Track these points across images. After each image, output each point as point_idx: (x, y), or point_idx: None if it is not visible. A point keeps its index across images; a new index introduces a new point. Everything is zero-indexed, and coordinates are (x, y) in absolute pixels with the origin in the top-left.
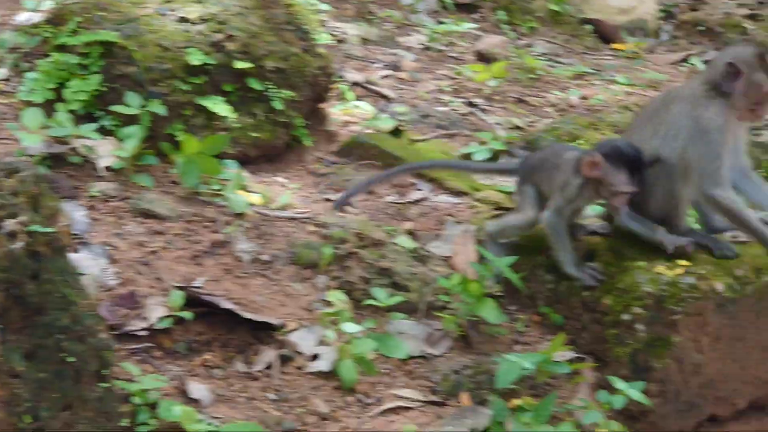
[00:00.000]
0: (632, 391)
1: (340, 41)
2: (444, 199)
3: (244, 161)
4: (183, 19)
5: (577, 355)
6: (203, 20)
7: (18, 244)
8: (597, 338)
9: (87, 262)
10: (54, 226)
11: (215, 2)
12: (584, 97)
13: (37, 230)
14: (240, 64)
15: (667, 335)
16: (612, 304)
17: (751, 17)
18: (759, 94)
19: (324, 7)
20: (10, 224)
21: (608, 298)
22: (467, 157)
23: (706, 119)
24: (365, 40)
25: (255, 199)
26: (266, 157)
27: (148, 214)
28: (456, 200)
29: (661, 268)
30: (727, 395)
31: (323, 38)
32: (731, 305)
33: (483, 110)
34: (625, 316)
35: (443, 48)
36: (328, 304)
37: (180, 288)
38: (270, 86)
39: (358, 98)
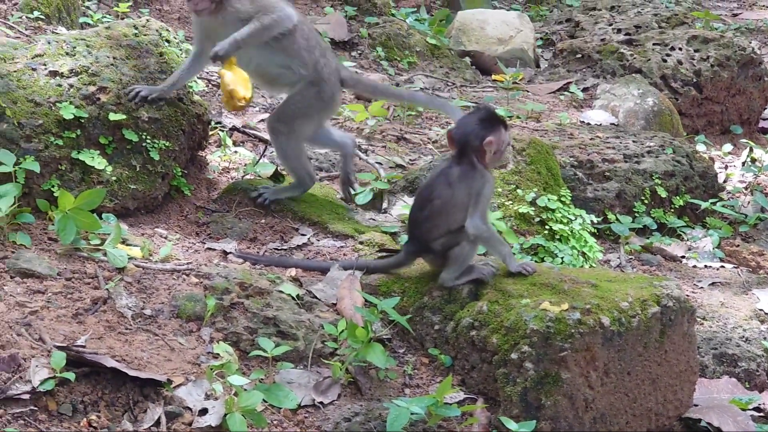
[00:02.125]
0: (524, 431)
1: (215, 86)
2: (328, 243)
3: (123, 214)
4: (54, 73)
5: (467, 396)
6: (75, 73)
7: None
8: (487, 378)
9: None
10: None
11: (86, 54)
12: None
13: None
14: (114, 116)
15: (557, 372)
16: (499, 343)
17: (628, 42)
18: None
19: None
20: None
21: (495, 336)
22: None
23: None
24: None
25: (135, 252)
26: (145, 208)
27: (26, 274)
28: (340, 243)
29: (546, 304)
30: (620, 429)
31: (198, 85)
32: (618, 338)
33: (364, 150)
34: (513, 355)
35: None
36: (215, 356)
37: (62, 348)
38: (146, 137)
39: (237, 144)
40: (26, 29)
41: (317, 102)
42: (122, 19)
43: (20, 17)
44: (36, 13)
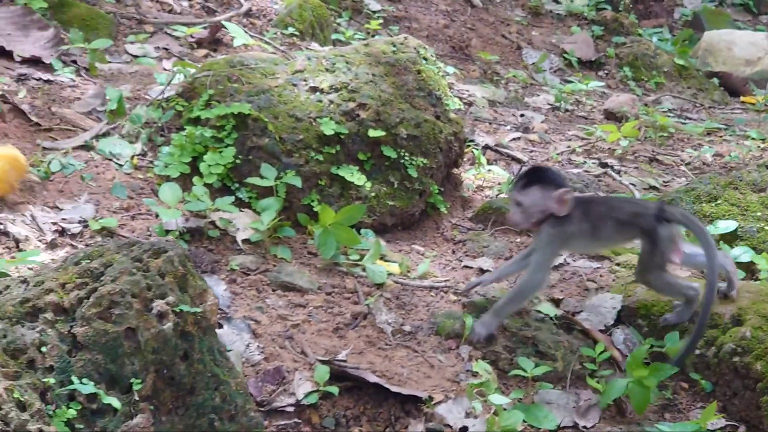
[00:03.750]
0: None
1: (468, 104)
2: (584, 264)
3: (381, 230)
4: (314, 89)
5: (729, 423)
6: (334, 89)
7: (167, 325)
8: (749, 405)
9: (230, 338)
10: (202, 305)
11: (345, 71)
12: (718, 155)
13: (185, 310)
14: (373, 133)
15: None
16: (764, 370)
17: None
18: None
19: (449, 69)
20: (159, 305)
21: (759, 363)
22: None
23: None
24: (492, 102)
25: (394, 268)
26: (402, 225)
27: (288, 287)
28: (596, 265)
29: None
30: None
31: (454, 103)
32: None
33: (617, 171)
34: None
35: (571, 107)
36: (474, 374)
37: (325, 362)
38: (404, 154)
39: (491, 162)
40: (281, 45)
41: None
42: (372, 36)
43: (275, 33)
44: (290, 29)
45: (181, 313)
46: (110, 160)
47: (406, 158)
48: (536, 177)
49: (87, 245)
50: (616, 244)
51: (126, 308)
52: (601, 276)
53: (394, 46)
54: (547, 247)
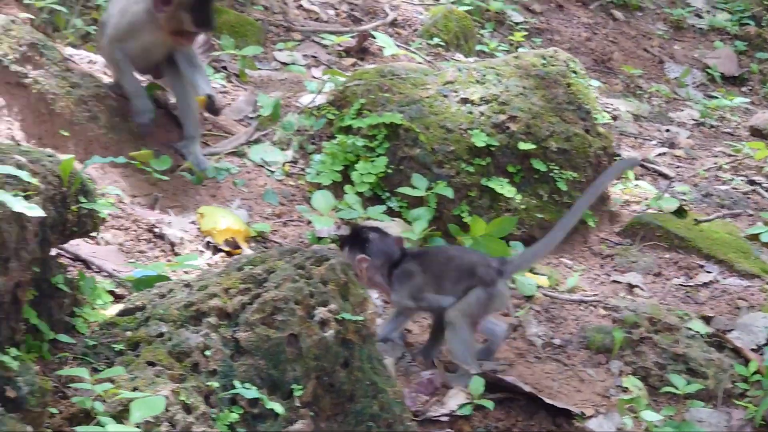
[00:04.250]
0: None
1: (612, 118)
2: (734, 282)
3: (529, 242)
4: (465, 101)
5: None
6: (485, 101)
7: (329, 332)
8: None
9: (384, 347)
10: (362, 313)
11: (496, 83)
12: None
13: (347, 318)
14: (524, 145)
15: None
16: None
17: None
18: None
19: (594, 83)
20: (322, 312)
21: None
22: (754, 238)
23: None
24: (636, 117)
25: (543, 281)
26: None
27: None
28: (747, 283)
29: None
30: None
31: (603, 117)
32: None
33: (765, 189)
34: None
35: (716, 123)
36: (624, 390)
37: (480, 373)
38: (553, 167)
39: (638, 177)
40: (427, 55)
41: None
42: (516, 47)
43: (421, 43)
44: (435, 40)
45: (343, 321)
46: (261, 166)
47: (556, 171)
48: (351, 238)
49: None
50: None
51: (289, 315)
52: (752, 295)
53: (544, 58)
54: (415, 303)
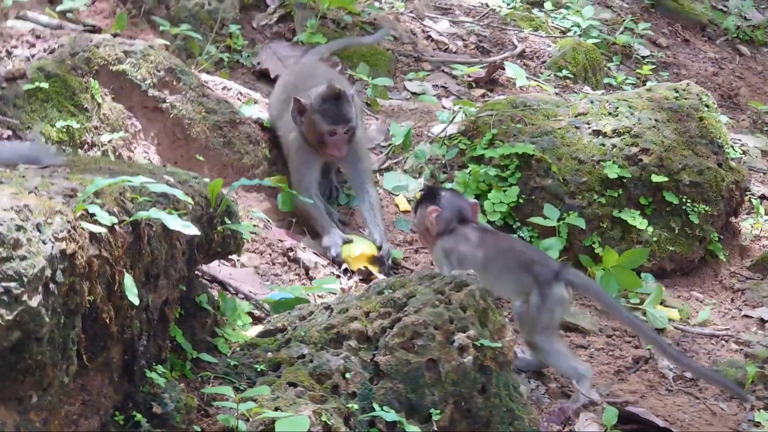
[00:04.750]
0: None
1: (742, 153)
2: None
3: (660, 275)
4: (597, 133)
5: None
6: (617, 133)
7: (468, 358)
8: None
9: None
10: (500, 340)
11: (628, 115)
12: None
13: (485, 344)
14: (656, 178)
15: None
16: None
17: None
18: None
19: (722, 118)
20: (461, 338)
21: None
22: None
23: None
24: (765, 153)
25: (674, 314)
26: (681, 270)
27: (570, 327)
28: None
29: None
30: None
31: (735, 152)
32: None
33: None
34: None
35: None
36: (756, 425)
37: (613, 404)
38: (686, 200)
39: None
40: (555, 87)
41: None
42: (644, 82)
43: (549, 75)
44: (564, 72)
45: (482, 347)
46: (394, 194)
47: (688, 204)
48: (426, 195)
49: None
50: (504, 288)
51: (429, 339)
52: None
53: (677, 92)
54: (443, 265)
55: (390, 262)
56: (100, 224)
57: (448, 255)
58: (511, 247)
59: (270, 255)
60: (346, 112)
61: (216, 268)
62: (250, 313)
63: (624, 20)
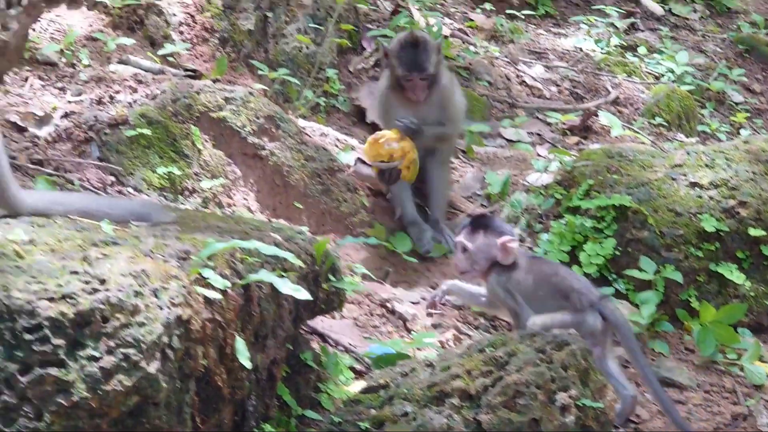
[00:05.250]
0: None
1: None
2: None
3: (757, 329)
4: (694, 185)
5: None
6: (714, 186)
7: (569, 418)
8: None
9: None
10: (602, 400)
11: (725, 167)
12: None
13: (587, 404)
14: (754, 231)
15: None
16: None
17: None
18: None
19: None
20: (563, 397)
21: None
22: None
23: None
24: None
25: None
26: None
27: (668, 383)
28: None
29: None
30: None
31: None
32: None
33: None
34: None
35: None
36: None
37: None
38: None
39: None
40: (649, 134)
41: None
42: (738, 129)
43: (643, 123)
44: (658, 120)
45: (583, 407)
46: None
47: None
48: (482, 223)
49: (473, 326)
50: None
51: (531, 399)
52: None
53: None
54: (506, 297)
55: (430, 249)
56: (214, 288)
57: (504, 284)
58: (556, 272)
59: (368, 306)
60: (423, 61)
61: (316, 319)
62: (352, 368)
63: (718, 66)
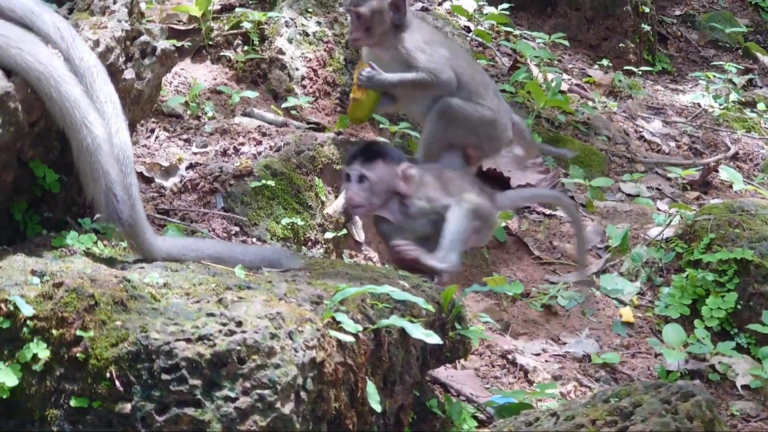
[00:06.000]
0: None
1: None
2: None
3: None
4: None
5: None
6: None
7: None
8: None
9: None
10: None
11: None
12: None
13: None
14: None
15: None
16: None
17: None
18: None
19: None
20: None
21: None
22: None
23: None
24: None
25: None
26: None
27: None
28: None
29: None
30: None
31: None
32: None
33: None
34: None
35: None
36: None
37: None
38: None
39: None
40: None
41: None
42: None
43: (763, 178)
44: None
45: None
46: (610, 297)
47: None
48: (376, 151)
49: (594, 379)
50: None
51: None
52: None
53: None
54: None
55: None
56: (347, 332)
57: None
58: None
59: (489, 357)
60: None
61: (438, 369)
62: (475, 417)
63: None
